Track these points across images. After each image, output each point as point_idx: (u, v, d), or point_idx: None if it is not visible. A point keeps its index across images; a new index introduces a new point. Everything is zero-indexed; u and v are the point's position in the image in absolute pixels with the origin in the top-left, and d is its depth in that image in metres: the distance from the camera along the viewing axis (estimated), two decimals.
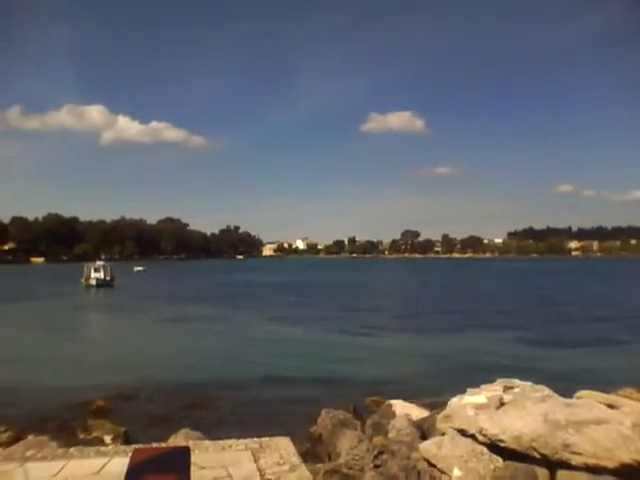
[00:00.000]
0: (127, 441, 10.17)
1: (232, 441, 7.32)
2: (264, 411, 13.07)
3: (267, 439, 7.28)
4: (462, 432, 7.60)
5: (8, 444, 9.04)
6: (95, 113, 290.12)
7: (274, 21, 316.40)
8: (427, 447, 7.58)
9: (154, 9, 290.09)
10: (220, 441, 7.36)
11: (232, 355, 21.32)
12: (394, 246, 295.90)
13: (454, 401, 8.29)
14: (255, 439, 7.34)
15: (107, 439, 10.18)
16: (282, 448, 6.80)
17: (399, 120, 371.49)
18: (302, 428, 10.99)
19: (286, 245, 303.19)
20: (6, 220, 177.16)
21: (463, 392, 8.48)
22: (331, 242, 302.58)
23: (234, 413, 12.98)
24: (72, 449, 6.97)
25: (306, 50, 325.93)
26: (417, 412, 10.50)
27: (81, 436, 10.40)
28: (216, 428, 11.00)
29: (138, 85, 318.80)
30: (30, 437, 9.72)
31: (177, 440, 8.51)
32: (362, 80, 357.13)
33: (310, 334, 27.12)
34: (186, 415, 12.62)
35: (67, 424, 11.34)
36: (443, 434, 7.91)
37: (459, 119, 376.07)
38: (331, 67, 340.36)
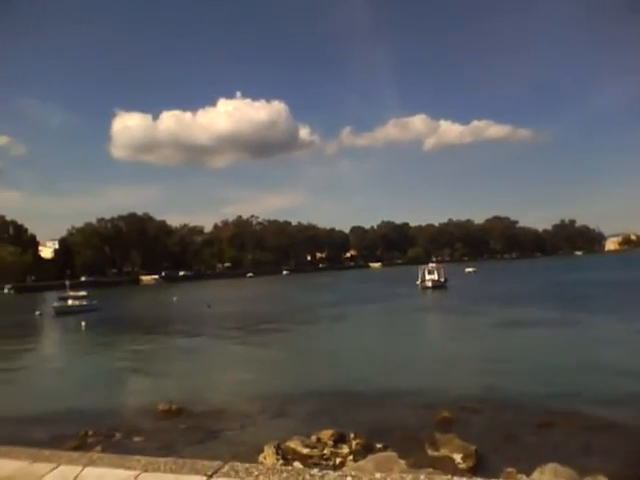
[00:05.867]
0: (479, 463, 9.16)
1: None
2: (632, 442, 10.47)
3: None
4: None
5: (359, 454, 8.98)
6: (418, 122, 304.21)
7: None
8: None
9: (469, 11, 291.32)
10: None
11: (584, 365, 18.32)
12: None
13: None
14: None
15: (457, 458, 9.31)
16: None
17: None
18: None
19: (634, 237, 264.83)
20: (346, 230, 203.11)
21: None
22: None
23: (598, 441, 10.68)
24: (422, 476, 6.17)
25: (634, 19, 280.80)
26: None
27: (429, 452, 9.81)
28: (584, 461, 9.11)
29: (455, 89, 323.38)
30: (378, 447, 9.52)
31: (544, 477, 7.03)
32: None
33: None
34: (542, 438, 10.97)
35: (414, 435, 10.99)
36: None
37: None
38: None
